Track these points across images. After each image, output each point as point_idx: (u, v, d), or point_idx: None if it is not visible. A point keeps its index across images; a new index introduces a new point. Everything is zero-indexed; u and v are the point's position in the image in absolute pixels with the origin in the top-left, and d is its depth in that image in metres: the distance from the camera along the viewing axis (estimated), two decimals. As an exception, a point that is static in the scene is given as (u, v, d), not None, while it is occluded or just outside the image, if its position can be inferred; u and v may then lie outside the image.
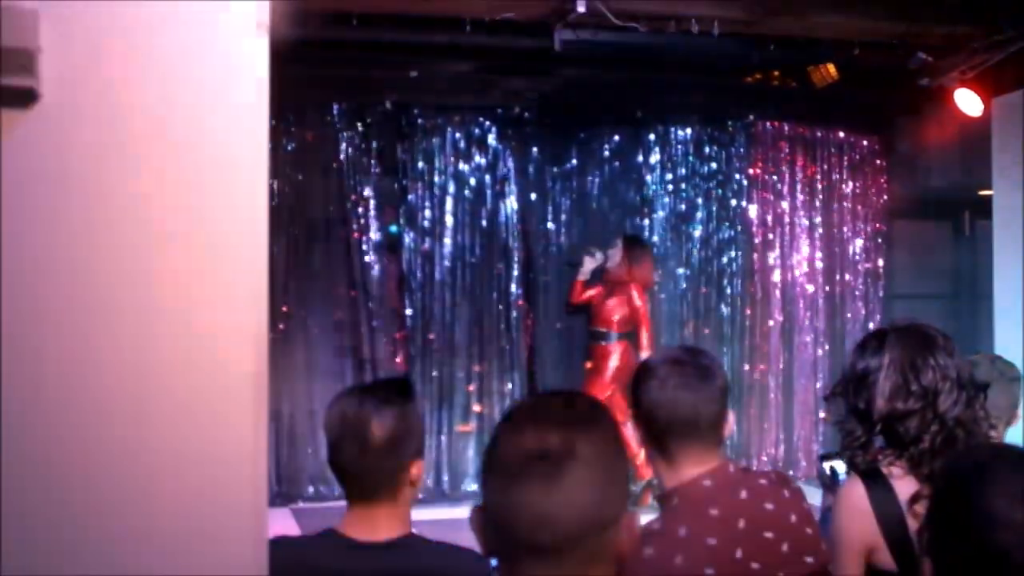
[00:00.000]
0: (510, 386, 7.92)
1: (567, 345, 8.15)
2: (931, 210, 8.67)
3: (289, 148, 7.41)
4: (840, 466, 2.68)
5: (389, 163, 7.69)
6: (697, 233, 8.39)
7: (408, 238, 7.77)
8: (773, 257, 8.53)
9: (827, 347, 8.58)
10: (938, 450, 2.30)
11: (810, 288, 8.60)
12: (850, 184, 8.71)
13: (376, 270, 7.68)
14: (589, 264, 7.61)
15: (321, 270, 7.55)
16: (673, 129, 8.31)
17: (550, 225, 8.11)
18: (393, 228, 7.75)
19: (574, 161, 8.14)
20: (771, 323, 8.52)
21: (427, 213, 7.80)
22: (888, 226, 8.81)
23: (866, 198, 8.74)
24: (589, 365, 7.69)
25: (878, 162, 8.77)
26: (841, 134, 8.64)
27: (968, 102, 6.30)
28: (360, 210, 7.63)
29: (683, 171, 8.37)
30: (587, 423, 1.43)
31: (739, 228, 8.45)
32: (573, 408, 1.46)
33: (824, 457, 2.92)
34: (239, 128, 1.51)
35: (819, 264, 8.62)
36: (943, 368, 2.34)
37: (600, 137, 8.19)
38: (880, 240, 8.77)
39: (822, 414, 8.25)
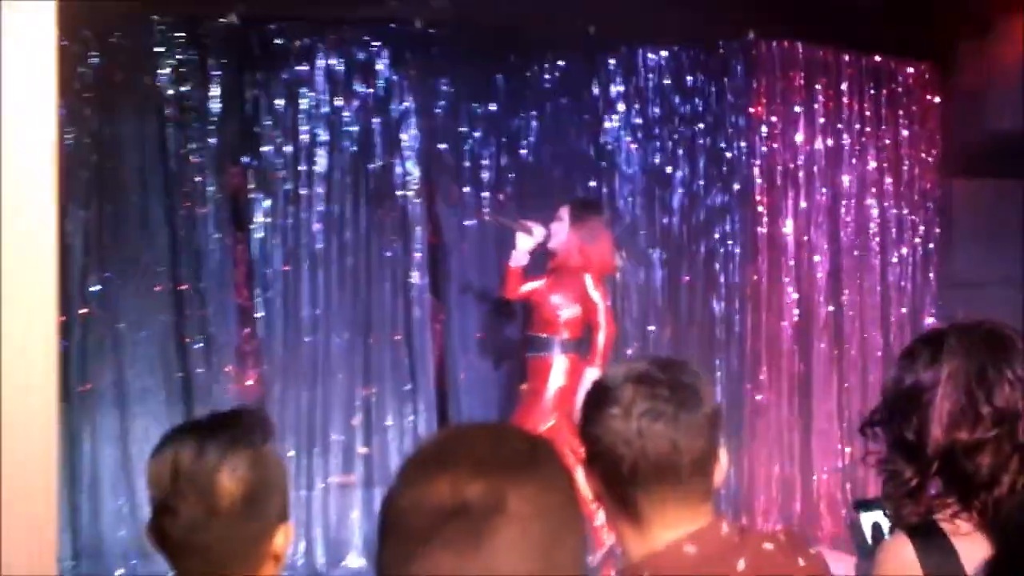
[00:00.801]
0: (411, 418, 7.72)
1: (493, 358, 8.06)
2: (1004, 165, 8.26)
3: (89, 84, 7.18)
4: (883, 520, 2.71)
5: (234, 103, 7.45)
6: (677, 199, 8.17)
7: (261, 209, 7.48)
8: (784, 232, 8.32)
9: (861, 357, 8.45)
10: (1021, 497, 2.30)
11: (835, 275, 8.45)
12: (891, 129, 8.53)
13: (215, 255, 7.43)
14: (525, 243, 7.27)
15: (136, 256, 7.32)
16: (641, 51, 8.11)
17: (467, 189, 7.87)
18: (239, 194, 7.53)
19: (501, 98, 7.91)
20: (782, 324, 8.30)
21: (289, 173, 7.53)
22: (944, 188, 8.64)
23: (914, 149, 8.59)
24: (524, 386, 7.40)
25: (930, 98, 8.60)
26: (878, 59, 8.48)
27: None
28: (192, 171, 7.37)
29: (656, 111, 8.14)
30: (521, 467, 1.45)
31: (736, 191, 8.26)
32: (502, 446, 1.48)
33: (859, 507, 2.87)
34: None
35: (848, 241, 8.45)
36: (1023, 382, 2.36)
37: (539, 63, 7.96)
38: (933, 207, 8.65)
39: (853, 449, 8.09)
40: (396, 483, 1.46)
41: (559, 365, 7.18)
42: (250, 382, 7.52)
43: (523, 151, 7.93)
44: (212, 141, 7.35)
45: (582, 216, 7.26)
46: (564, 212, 7.26)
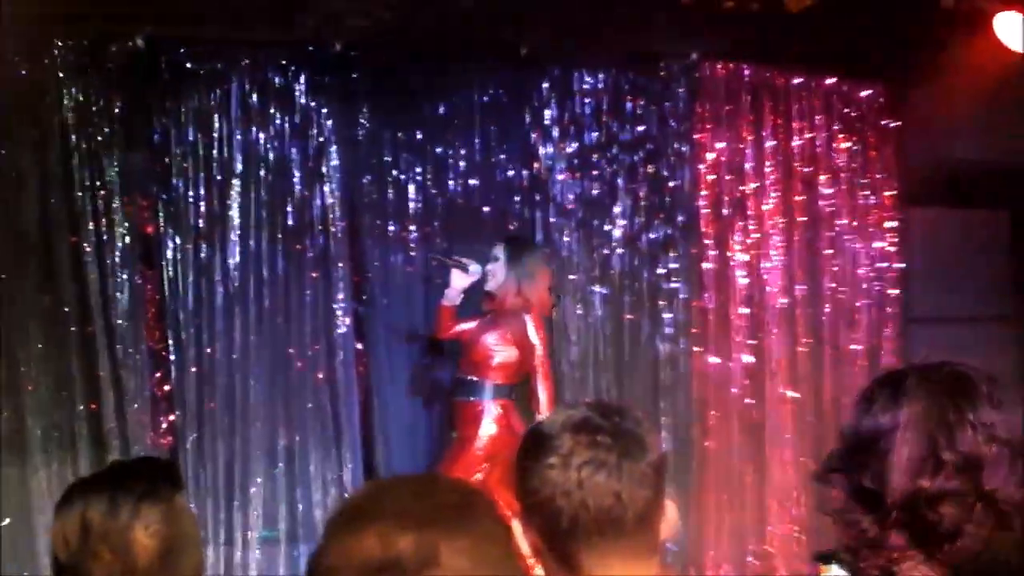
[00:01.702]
0: (336, 469, 7.84)
1: (422, 403, 8.28)
2: (965, 194, 8.77)
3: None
4: (842, 573, 2.61)
5: (140, 131, 7.56)
6: (618, 231, 8.38)
7: (171, 244, 7.61)
8: (732, 266, 8.58)
9: (816, 399, 8.72)
10: (987, 549, 2.31)
11: (788, 312, 8.70)
12: (845, 156, 8.82)
13: (123, 294, 7.48)
14: (460, 281, 7.60)
15: (35, 297, 7.33)
16: (578, 74, 8.30)
17: (391, 224, 8.09)
18: (149, 229, 7.64)
19: (428, 125, 8.10)
20: (731, 365, 8.54)
21: (201, 206, 7.65)
22: (903, 218, 8.95)
23: (870, 176, 8.87)
24: (454, 433, 7.74)
25: (885, 123, 8.89)
26: (830, 81, 8.76)
27: (1013, 30, 6.47)
28: (96, 203, 7.42)
29: (594, 136, 8.36)
30: (454, 519, 1.49)
31: (680, 223, 8.48)
32: (433, 497, 1.53)
33: (820, 559, 2.83)
34: None
35: (800, 275, 8.72)
36: (988, 427, 2.33)
37: (467, 86, 8.16)
38: (891, 238, 8.92)
39: (809, 498, 8.39)
40: (322, 539, 1.52)
41: (491, 411, 7.45)
42: (163, 428, 7.56)
43: (451, 182, 8.09)
44: (119, 173, 7.40)
45: (520, 255, 7.53)
46: (499, 251, 7.52)
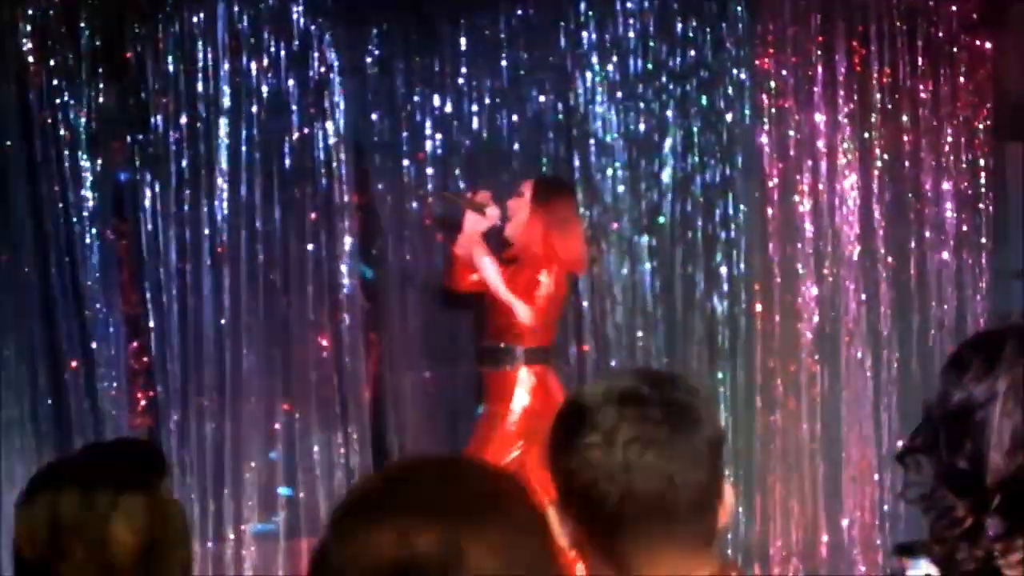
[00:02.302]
0: (342, 451, 7.65)
1: (444, 375, 8.24)
2: None
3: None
4: (932, 569, 2.47)
5: (113, 64, 7.41)
6: (667, 173, 8.10)
7: (149, 193, 7.45)
8: (800, 213, 8.25)
9: (897, 366, 8.37)
10: None
11: (865, 266, 8.37)
12: (930, 84, 8.39)
13: (94, 251, 7.37)
14: (475, 224, 7.40)
15: None
16: None
17: (405, 163, 7.93)
18: (123, 176, 7.60)
19: (447, 52, 7.96)
20: (800, 327, 8.22)
21: (183, 148, 7.49)
22: (997, 156, 8.56)
23: (959, 107, 8.45)
24: (482, 408, 7.55)
25: (979, 44, 8.47)
26: None
27: None
28: (60, 146, 7.29)
29: (639, 64, 8.06)
30: (482, 511, 1.47)
31: (741, 164, 8.19)
32: (457, 486, 1.51)
33: (903, 553, 2.67)
34: None
35: (880, 224, 8.36)
36: None
37: (493, 8, 8.02)
38: (983, 179, 8.51)
39: (892, 481, 8.06)
40: (329, 534, 1.49)
41: (524, 380, 7.27)
42: (139, 407, 7.58)
43: (475, 117, 7.98)
44: (87, 111, 7.32)
45: (549, 197, 7.34)
46: (526, 188, 7.36)
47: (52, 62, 7.21)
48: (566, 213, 7.38)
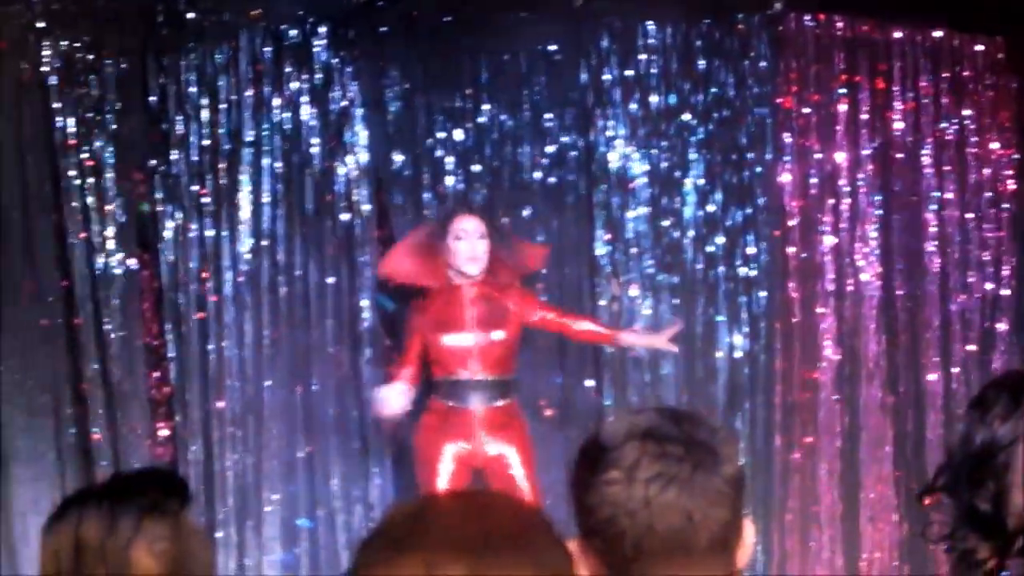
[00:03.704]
0: (362, 484, 7.71)
1: None
2: None
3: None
4: None
5: (136, 95, 7.46)
6: (688, 211, 8.14)
7: (171, 223, 7.50)
8: (822, 251, 8.25)
9: (918, 406, 8.35)
10: None
11: (886, 304, 8.36)
12: (955, 123, 8.39)
13: (115, 282, 7.43)
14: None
15: (12, 284, 7.31)
16: (642, 27, 8.04)
17: (426, 197, 7.88)
18: (145, 207, 7.54)
19: (468, 88, 7.91)
20: (821, 365, 8.23)
21: (205, 180, 7.53)
22: (1021, 197, 8.48)
23: (984, 147, 8.40)
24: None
25: (1004, 84, 8.41)
26: (938, 35, 8.37)
27: None
28: (83, 176, 7.35)
29: (661, 101, 8.09)
30: (511, 547, 1.48)
31: (763, 201, 8.20)
32: (486, 521, 1.52)
33: None
34: None
35: (901, 262, 8.37)
36: None
37: (514, 44, 7.95)
38: (1007, 219, 8.47)
39: (912, 521, 8.04)
40: (356, 564, 1.49)
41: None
42: (162, 435, 7.52)
43: (495, 153, 7.93)
44: (110, 142, 7.35)
45: (489, 222, 7.41)
46: (475, 225, 7.31)
47: (76, 93, 7.27)
48: (502, 229, 7.53)
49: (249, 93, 7.55)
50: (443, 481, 7.15)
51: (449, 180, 7.87)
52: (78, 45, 7.28)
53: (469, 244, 7.25)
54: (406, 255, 7.39)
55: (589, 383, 7.89)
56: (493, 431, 7.32)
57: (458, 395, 7.20)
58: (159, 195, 7.45)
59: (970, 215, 8.46)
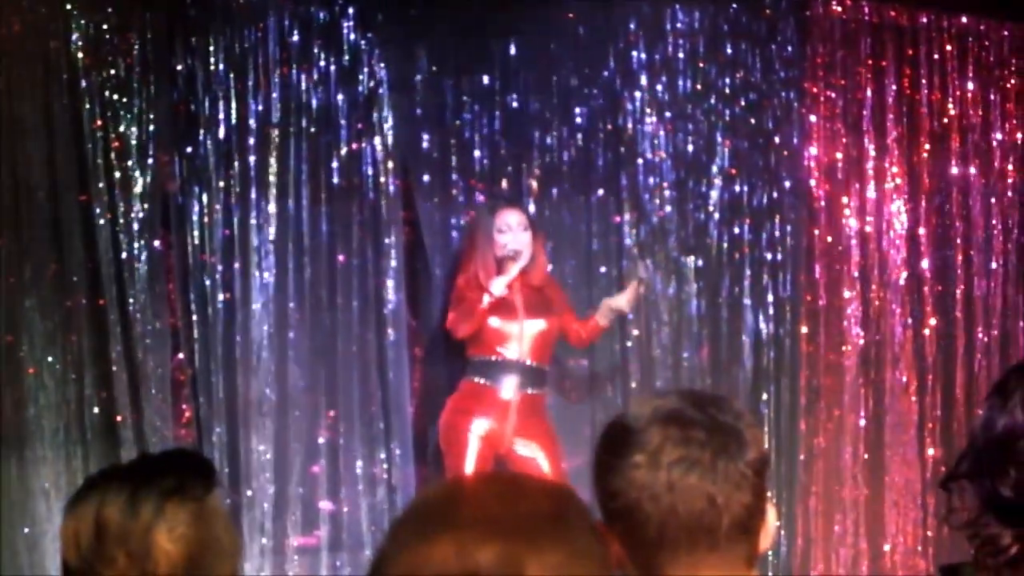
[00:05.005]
0: (385, 467, 7.67)
1: None
2: None
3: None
4: None
5: (164, 76, 7.39)
6: (716, 194, 8.16)
7: (197, 205, 7.45)
8: (847, 235, 8.32)
9: (944, 390, 8.44)
10: None
11: (911, 289, 8.42)
12: (982, 108, 8.48)
13: (140, 263, 7.34)
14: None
15: (39, 265, 7.21)
16: (671, 11, 8.07)
17: (454, 179, 7.88)
18: (171, 188, 7.49)
19: (496, 69, 7.90)
20: (845, 348, 8.28)
21: (232, 161, 7.48)
22: None
23: (1010, 133, 8.54)
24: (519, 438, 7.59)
25: None
26: (964, 20, 8.46)
27: None
28: (110, 157, 7.25)
29: (688, 84, 8.11)
30: (544, 529, 1.47)
31: (789, 185, 8.24)
32: (519, 503, 1.51)
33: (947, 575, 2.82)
34: None
35: (926, 247, 8.46)
36: None
37: (543, 26, 7.92)
38: None
39: (936, 506, 8.14)
40: (387, 545, 1.49)
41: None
42: (184, 418, 7.50)
43: (523, 135, 7.93)
44: (137, 123, 7.29)
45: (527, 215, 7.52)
46: (518, 219, 7.43)
47: (104, 74, 7.23)
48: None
49: (277, 75, 7.51)
50: (471, 462, 7.18)
51: (476, 162, 7.87)
52: (105, 26, 7.17)
53: (513, 236, 7.30)
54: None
55: (613, 366, 7.90)
56: (521, 418, 7.33)
57: (493, 375, 7.23)
58: (185, 176, 7.42)
59: (995, 200, 8.51)
